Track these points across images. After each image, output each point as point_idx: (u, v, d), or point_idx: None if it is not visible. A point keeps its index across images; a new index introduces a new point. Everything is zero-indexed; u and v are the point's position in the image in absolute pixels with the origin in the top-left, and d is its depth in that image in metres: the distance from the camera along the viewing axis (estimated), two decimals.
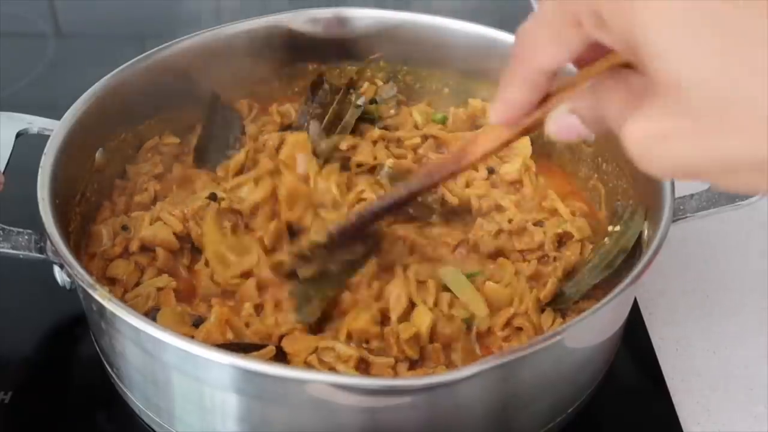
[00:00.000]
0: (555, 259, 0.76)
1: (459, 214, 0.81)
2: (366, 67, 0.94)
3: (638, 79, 0.43)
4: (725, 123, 0.39)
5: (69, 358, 0.78)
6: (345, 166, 0.83)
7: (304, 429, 0.61)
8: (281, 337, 0.68)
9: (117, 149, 0.83)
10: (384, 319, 0.70)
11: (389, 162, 0.83)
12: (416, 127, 0.91)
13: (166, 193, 0.82)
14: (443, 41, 0.91)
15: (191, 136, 0.88)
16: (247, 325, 0.69)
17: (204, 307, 0.73)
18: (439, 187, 0.76)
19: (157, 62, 0.84)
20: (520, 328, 0.71)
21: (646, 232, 0.73)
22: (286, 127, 0.89)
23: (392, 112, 0.92)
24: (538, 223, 0.79)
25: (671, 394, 0.75)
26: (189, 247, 0.78)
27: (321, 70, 0.93)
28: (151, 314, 0.69)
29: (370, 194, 0.78)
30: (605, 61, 0.47)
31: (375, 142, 0.87)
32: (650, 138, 0.42)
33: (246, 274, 0.74)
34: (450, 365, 0.68)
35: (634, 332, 0.79)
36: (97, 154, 0.81)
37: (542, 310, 0.72)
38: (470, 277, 0.74)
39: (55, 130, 0.75)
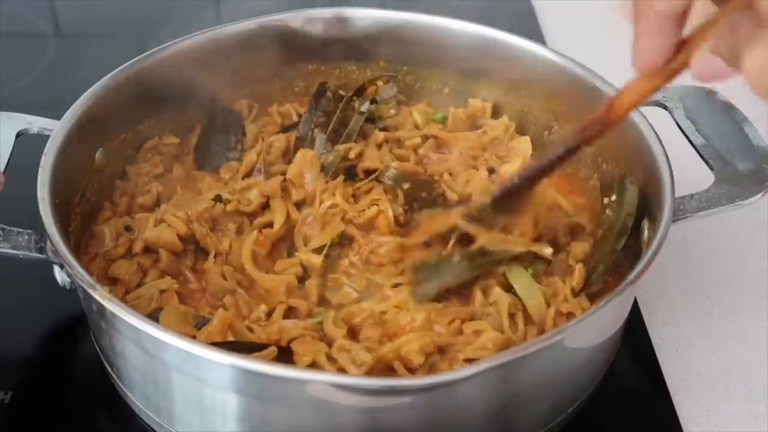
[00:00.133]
0: (568, 253, 0.77)
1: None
2: (377, 78, 0.94)
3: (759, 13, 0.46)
4: None
5: (69, 358, 0.78)
6: (351, 173, 0.83)
7: (304, 429, 0.61)
8: (290, 341, 0.68)
9: (117, 149, 0.83)
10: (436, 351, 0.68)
11: (394, 164, 0.83)
12: (416, 127, 0.91)
13: (169, 194, 0.82)
14: (443, 41, 0.91)
15: (191, 136, 0.89)
16: (249, 329, 0.69)
17: (209, 309, 0.73)
18: (592, 142, 0.75)
19: (157, 62, 0.84)
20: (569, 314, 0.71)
21: (647, 232, 0.74)
22: (287, 128, 0.89)
23: (392, 112, 0.92)
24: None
25: (671, 394, 0.75)
26: (193, 248, 0.78)
27: (322, 71, 0.93)
28: (153, 316, 0.69)
29: (383, 202, 0.79)
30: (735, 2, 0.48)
31: (380, 146, 0.87)
32: (763, 68, 0.45)
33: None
34: None
35: (634, 332, 0.79)
36: (97, 154, 0.81)
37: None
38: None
39: (55, 130, 0.75)
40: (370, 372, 0.65)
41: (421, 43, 0.92)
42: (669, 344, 0.80)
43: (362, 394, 0.58)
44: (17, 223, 0.70)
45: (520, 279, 0.72)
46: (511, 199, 0.73)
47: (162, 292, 0.73)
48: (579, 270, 0.73)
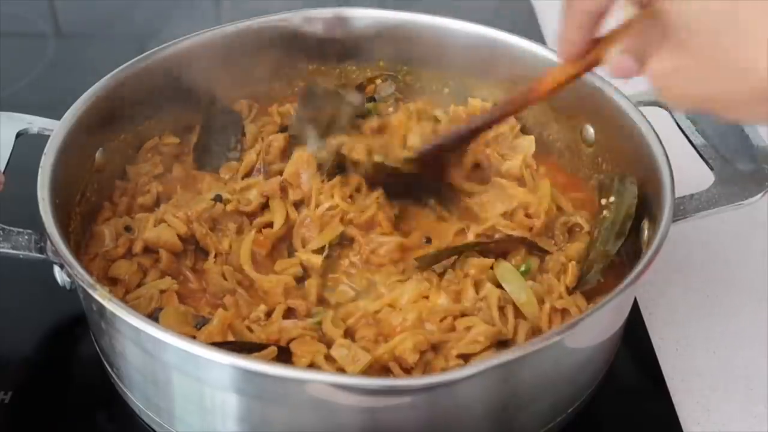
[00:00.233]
0: (562, 252, 0.77)
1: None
2: (375, 77, 0.94)
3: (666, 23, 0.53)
4: (724, 60, 0.50)
5: (69, 358, 0.78)
6: (341, 167, 0.83)
7: (304, 429, 0.61)
8: (289, 341, 0.68)
9: (117, 149, 0.83)
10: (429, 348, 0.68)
11: (377, 158, 0.82)
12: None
13: (169, 195, 0.82)
14: (443, 41, 0.91)
15: (191, 136, 0.88)
16: (249, 329, 0.69)
17: (209, 309, 0.73)
18: (516, 113, 0.85)
19: (157, 62, 0.84)
20: (564, 311, 0.71)
21: (647, 232, 0.74)
22: (286, 128, 0.89)
23: (390, 110, 0.92)
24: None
25: (671, 394, 0.75)
26: (193, 249, 0.78)
27: (322, 71, 0.94)
28: (153, 316, 0.69)
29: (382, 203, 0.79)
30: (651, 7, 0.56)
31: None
32: (665, 74, 0.54)
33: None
34: None
35: (634, 332, 0.79)
36: (97, 154, 0.81)
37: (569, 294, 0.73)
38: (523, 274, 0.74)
39: (55, 130, 0.75)
40: (366, 372, 0.65)
41: (421, 43, 0.92)
42: (669, 344, 0.80)
43: (362, 394, 0.58)
44: (17, 223, 0.70)
45: (507, 275, 0.73)
46: (434, 159, 0.80)
47: (162, 292, 0.73)
48: (572, 268, 0.74)
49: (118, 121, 0.83)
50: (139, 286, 0.74)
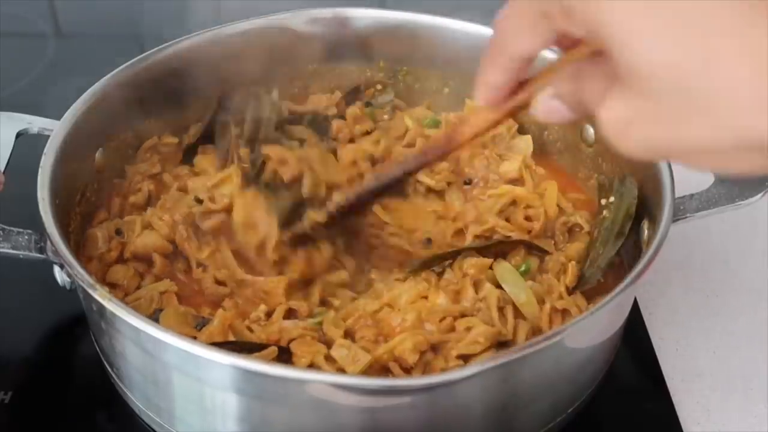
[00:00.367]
0: (562, 252, 0.77)
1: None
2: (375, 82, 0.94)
3: (611, 67, 0.45)
4: (684, 109, 0.42)
5: (69, 358, 0.78)
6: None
7: (304, 429, 0.61)
8: (289, 341, 0.68)
9: (117, 149, 0.83)
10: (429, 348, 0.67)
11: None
12: (405, 132, 0.90)
13: (161, 194, 0.82)
14: (443, 41, 0.91)
15: (188, 136, 0.88)
16: (250, 330, 0.69)
17: (209, 309, 0.73)
18: (430, 166, 0.79)
19: (157, 62, 0.84)
20: (564, 311, 0.71)
21: (647, 232, 0.74)
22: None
23: (386, 117, 0.92)
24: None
25: (671, 394, 0.75)
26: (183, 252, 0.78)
27: (321, 71, 0.93)
28: (154, 317, 0.69)
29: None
30: (585, 47, 0.49)
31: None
32: (619, 121, 0.45)
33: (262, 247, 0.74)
34: None
35: (634, 332, 0.79)
36: (97, 154, 0.81)
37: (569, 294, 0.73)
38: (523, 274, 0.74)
39: (55, 130, 0.75)
40: (366, 372, 0.65)
41: (421, 43, 0.92)
42: (669, 344, 0.80)
43: (362, 394, 0.58)
44: (17, 223, 0.70)
45: (507, 275, 0.73)
46: (343, 217, 0.73)
47: (162, 293, 0.73)
48: (572, 268, 0.74)
49: (118, 121, 0.83)
50: (137, 290, 0.74)
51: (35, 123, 0.78)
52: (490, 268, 0.73)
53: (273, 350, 0.66)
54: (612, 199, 0.78)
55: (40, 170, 0.71)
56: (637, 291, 0.77)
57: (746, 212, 0.76)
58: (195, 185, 0.81)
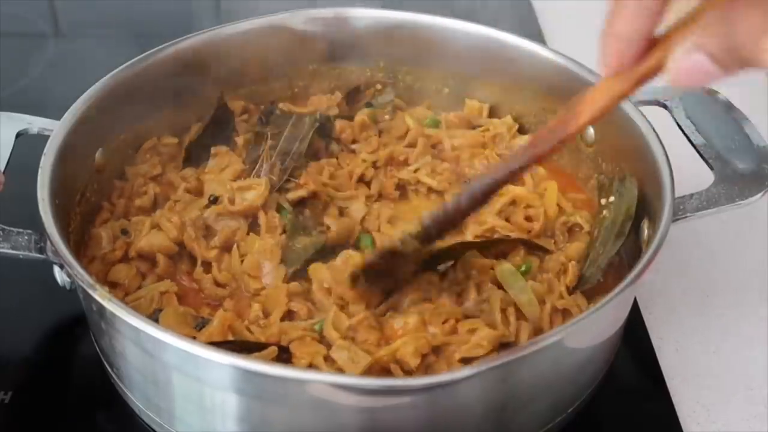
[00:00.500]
0: (562, 252, 0.77)
1: None
2: (375, 82, 0.94)
3: None
4: None
5: (69, 358, 0.78)
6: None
7: (304, 429, 0.61)
8: (289, 342, 0.68)
9: (117, 149, 0.83)
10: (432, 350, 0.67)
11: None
12: (407, 132, 0.90)
13: (167, 196, 0.82)
14: (443, 41, 0.91)
15: (187, 136, 0.88)
16: (249, 330, 0.69)
17: (208, 310, 0.73)
18: (545, 159, 0.68)
19: (157, 62, 0.84)
20: (565, 311, 0.71)
21: (647, 232, 0.74)
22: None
23: (386, 117, 0.92)
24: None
25: (671, 394, 0.75)
26: (188, 253, 0.78)
27: (321, 71, 0.94)
28: (154, 317, 0.69)
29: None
30: None
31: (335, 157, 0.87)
32: None
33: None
34: None
35: (634, 332, 0.79)
36: (97, 154, 0.81)
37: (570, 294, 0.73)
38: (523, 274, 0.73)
39: (55, 130, 0.75)
40: (367, 373, 0.65)
41: (421, 43, 0.92)
42: (669, 344, 0.80)
43: (362, 394, 0.58)
44: (17, 223, 0.70)
45: (508, 276, 0.72)
46: (449, 224, 0.65)
47: (162, 293, 0.73)
48: (572, 268, 0.74)
49: (118, 121, 0.83)
50: (138, 289, 0.74)
51: (35, 123, 0.78)
52: (492, 268, 0.73)
53: (273, 350, 0.66)
54: (612, 198, 0.78)
55: (40, 170, 0.71)
56: (637, 291, 0.77)
57: (746, 212, 0.77)
58: (211, 185, 0.81)
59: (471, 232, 0.78)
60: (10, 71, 1.11)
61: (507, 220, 0.80)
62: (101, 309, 0.62)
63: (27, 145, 0.77)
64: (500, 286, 0.72)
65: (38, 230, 0.69)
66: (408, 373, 0.65)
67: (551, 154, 0.57)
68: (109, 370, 0.72)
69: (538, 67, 0.87)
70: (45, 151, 0.73)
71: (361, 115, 0.90)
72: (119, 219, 0.80)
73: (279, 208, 0.80)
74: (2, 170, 0.73)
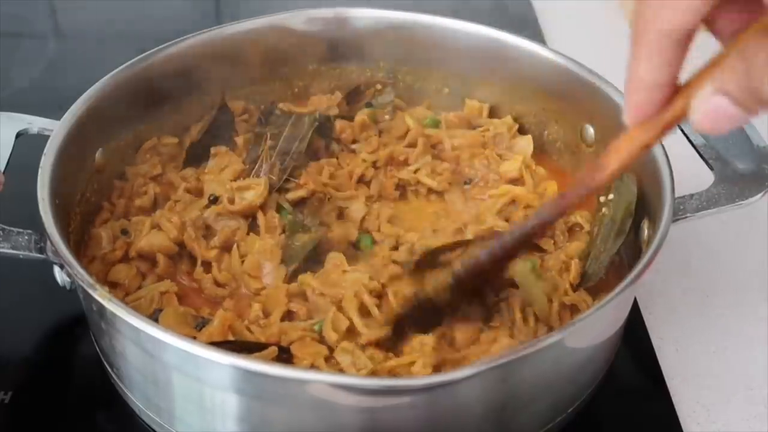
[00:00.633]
0: (563, 251, 0.77)
1: None
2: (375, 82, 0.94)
3: None
4: None
5: (69, 358, 0.78)
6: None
7: (304, 429, 0.61)
8: (290, 343, 0.68)
9: (117, 149, 0.83)
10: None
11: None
12: (407, 132, 0.90)
13: (167, 196, 0.82)
14: (443, 41, 0.91)
15: (187, 136, 0.88)
16: (249, 330, 0.69)
17: (208, 310, 0.73)
18: (574, 210, 0.71)
19: (157, 62, 0.84)
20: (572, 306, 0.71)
21: (647, 232, 0.74)
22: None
23: (387, 117, 0.92)
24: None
25: (671, 394, 0.75)
26: (188, 253, 0.78)
27: (321, 71, 0.94)
28: (154, 317, 0.69)
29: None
30: (751, 29, 0.40)
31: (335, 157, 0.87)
32: None
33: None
34: None
35: (634, 332, 0.79)
36: (97, 155, 0.81)
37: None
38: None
39: (55, 130, 0.75)
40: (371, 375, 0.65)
41: (421, 43, 0.92)
42: (669, 344, 0.80)
43: (362, 394, 0.58)
44: (17, 223, 0.70)
45: (528, 275, 0.71)
46: (475, 278, 0.65)
47: (162, 293, 0.73)
48: (575, 265, 0.74)
49: (118, 121, 0.83)
50: (138, 289, 0.74)
51: (35, 123, 0.78)
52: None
53: (273, 350, 0.66)
54: (611, 196, 0.78)
55: (40, 170, 0.71)
56: (637, 291, 0.77)
57: (746, 212, 0.77)
58: (211, 185, 0.81)
59: (471, 231, 0.78)
60: (10, 71, 1.11)
61: (507, 220, 0.80)
62: (101, 309, 0.62)
63: (27, 145, 0.77)
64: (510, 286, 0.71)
65: (38, 230, 0.69)
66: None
67: (580, 204, 0.59)
68: (109, 370, 0.72)
69: (538, 67, 0.87)
70: (45, 151, 0.73)
71: (361, 115, 0.90)
72: (119, 219, 0.80)
73: (279, 208, 0.80)
74: (2, 170, 0.73)
